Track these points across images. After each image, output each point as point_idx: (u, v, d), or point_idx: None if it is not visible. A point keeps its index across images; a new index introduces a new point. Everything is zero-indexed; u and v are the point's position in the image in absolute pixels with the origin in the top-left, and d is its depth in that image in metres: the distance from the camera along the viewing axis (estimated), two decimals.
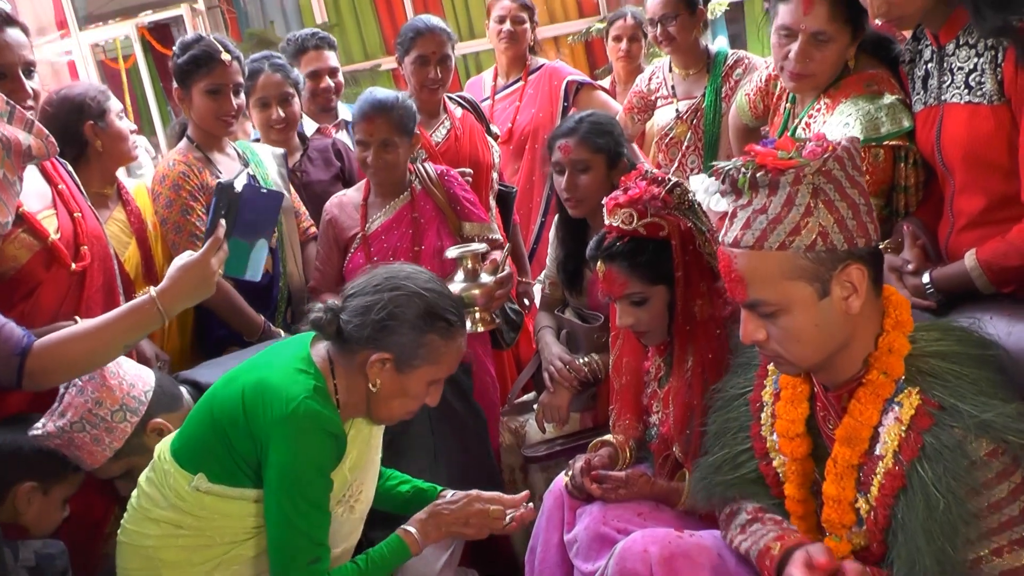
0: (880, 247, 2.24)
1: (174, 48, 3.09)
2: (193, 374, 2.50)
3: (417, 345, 1.99)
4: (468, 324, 2.79)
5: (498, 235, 3.22)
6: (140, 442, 2.21)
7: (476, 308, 2.84)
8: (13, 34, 2.32)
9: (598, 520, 2.24)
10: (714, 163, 1.73)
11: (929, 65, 2.20)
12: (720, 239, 1.71)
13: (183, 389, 2.38)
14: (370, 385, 2.01)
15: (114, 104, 2.89)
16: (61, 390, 2.18)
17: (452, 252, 2.86)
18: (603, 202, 2.33)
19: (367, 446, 2.15)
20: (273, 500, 1.94)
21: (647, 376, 2.48)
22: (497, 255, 3.01)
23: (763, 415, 1.88)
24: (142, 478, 2.11)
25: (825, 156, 1.59)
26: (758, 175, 1.61)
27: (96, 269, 2.49)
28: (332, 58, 3.84)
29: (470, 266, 2.84)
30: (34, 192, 2.41)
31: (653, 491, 2.32)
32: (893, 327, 1.67)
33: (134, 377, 2.24)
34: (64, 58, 8.89)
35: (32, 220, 2.34)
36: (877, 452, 1.63)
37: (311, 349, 2.06)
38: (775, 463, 1.86)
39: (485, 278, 2.86)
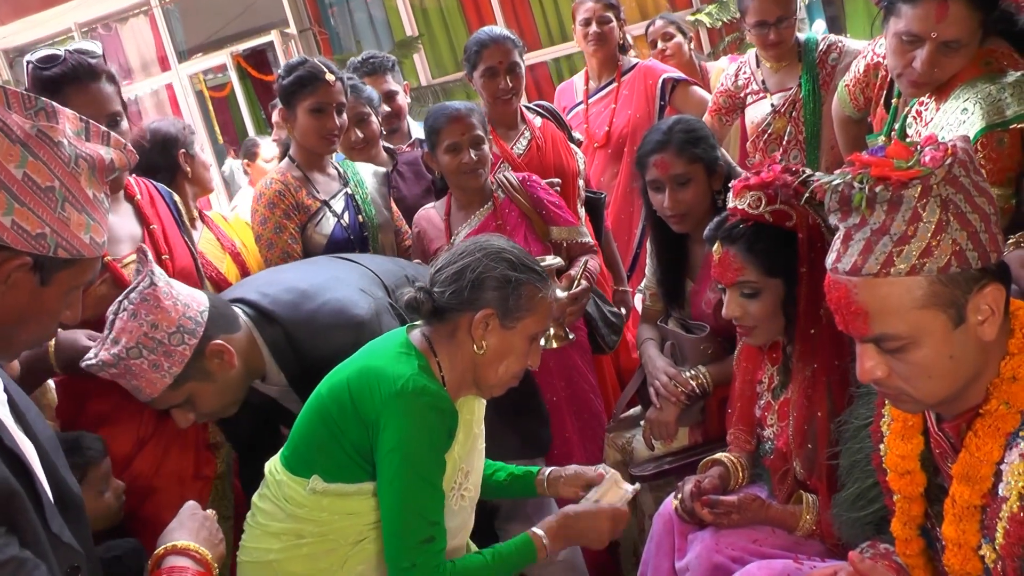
0: (1009, 240, 2.07)
1: (279, 71, 3.16)
2: (237, 291, 2.41)
3: (517, 296, 1.99)
4: (542, 341, 2.72)
5: (588, 238, 3.14)
6: (201, 366, 2.11)
7: (551, 324, 2.75)
8: (96, 89, 2.34)
9: (711, 548, 2.13)
10: (815, 176, 1.53)
11: None
12: (831, 266, 1.50)
13: (238, 309, 2.29)
14: (476, 348, 2.00)
15: (197, 138, 3.07)
16: (110, 316, 2.09)
17: None
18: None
19: (470, 430, 2.12)
20: (386, 478, 1.92)
21: (759, 387, 2.35)
22: (574, 270, 2.94)
23: (882, 447, 1.71)
24: (256, 496, 2.10)
25: (948, 161, 1.38)
26: (878, 190, 1.40)
27: None
28: (389, 81, 3.82)
29: None
30: (126, 235, 2.44)
31: (768, 516, 2.18)
32: (1020, 349, 1.45)
33: (188, 297, 2.13)
34: (165, 91, 9.20)
35: (114, 268, 2.37)
36: (1001, 494, 1.43)
37: (408, 336, 2.06)
38: (895, 499, 1.69)
39: (559, 293, 2.76)
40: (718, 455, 2.41)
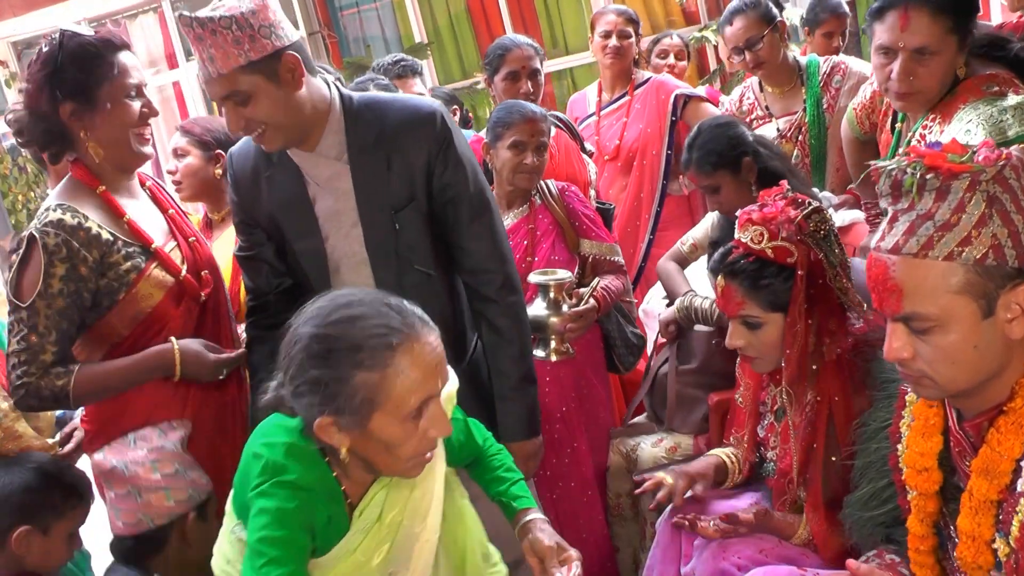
0: None
1: None
2: None
3: (349, 395, 1.62)
4: (542, 353, 2.75)
5: (619, 258, 3.13)
6: (274, 67, 2.10)
7: (552, 338, 2.76)
8: (131, 58, 2.33)
9: (717, 555, 2.15)
10: (871, 162, 1.59)
11: None
12: (874, 245, 1.56)
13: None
14: (341, 453, 1.70)
15: None
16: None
17: (534, 278, 2.78)
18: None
19: (399, 529, 1.83)
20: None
21: (763, 407, 2.37)
22: (585, 288, 2.92)
23: (900, 447, 1.76)
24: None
25: (1001, 163, 1.45)
26: (928, 177, 1.47)
27: (219, 291, 2.50)
28: (417, 85, 3.81)
29: (552, 296, 2.75)
30: (156, 226, 2.40)
31: (769, 525, 2.21)
32: None
33: (287, 24, 2.15)
34: (172, 88, 9.22)
35: (163, 255, 2.33)
36: (1019, 489, 1.47)
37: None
38: (909, 496, 1.73)
39: (565, 309, 2.77)
40: (716, 451, 2.46)
